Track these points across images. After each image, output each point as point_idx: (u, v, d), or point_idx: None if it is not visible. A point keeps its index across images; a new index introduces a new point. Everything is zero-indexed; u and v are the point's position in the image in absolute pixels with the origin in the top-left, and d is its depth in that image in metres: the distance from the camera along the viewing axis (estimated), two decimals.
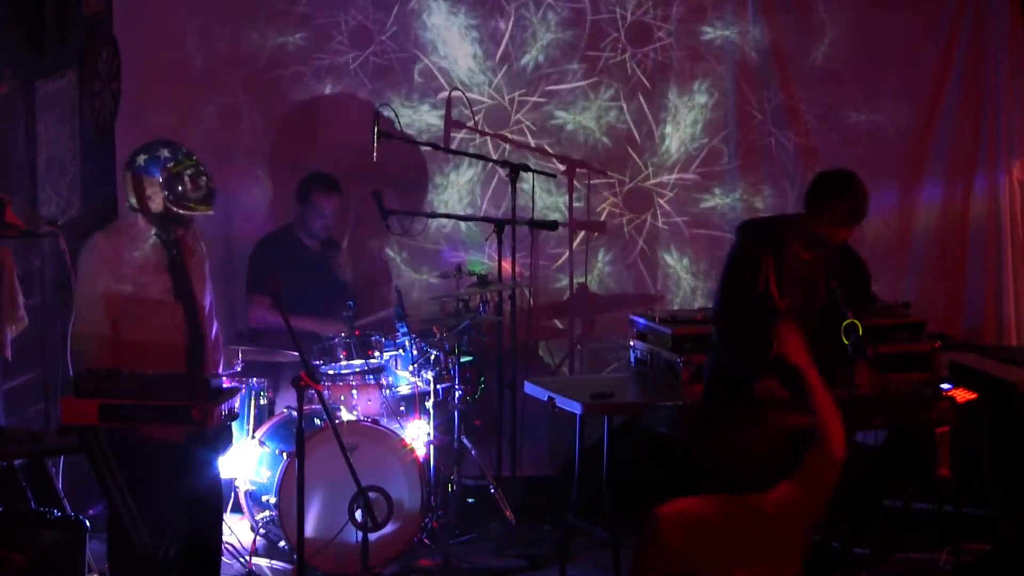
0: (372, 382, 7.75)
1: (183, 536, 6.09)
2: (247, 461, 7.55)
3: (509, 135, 8.73)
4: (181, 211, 6.23)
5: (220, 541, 6.63)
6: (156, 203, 6.24)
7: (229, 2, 8.61)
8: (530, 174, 8.38)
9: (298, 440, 6.01)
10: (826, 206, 6.37)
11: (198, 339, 6.38)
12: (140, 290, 6.26)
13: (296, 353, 6.31)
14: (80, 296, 6.32)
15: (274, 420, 7.61)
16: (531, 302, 8.57)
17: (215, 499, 6.48)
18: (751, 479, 4.78)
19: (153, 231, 6.30)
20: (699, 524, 4.73)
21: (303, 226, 8.26)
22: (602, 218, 8.86)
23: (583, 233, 8.82)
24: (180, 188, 6.21)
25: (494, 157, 8.65)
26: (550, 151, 8.78)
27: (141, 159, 6.26)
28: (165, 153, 6.25)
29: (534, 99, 8.76)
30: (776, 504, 4.77)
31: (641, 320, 7.58)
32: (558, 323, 8.91)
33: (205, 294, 6.46)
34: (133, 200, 6.29)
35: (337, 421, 7.23)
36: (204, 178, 6.26)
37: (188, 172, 6.24)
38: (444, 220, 8.67)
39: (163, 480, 6.14)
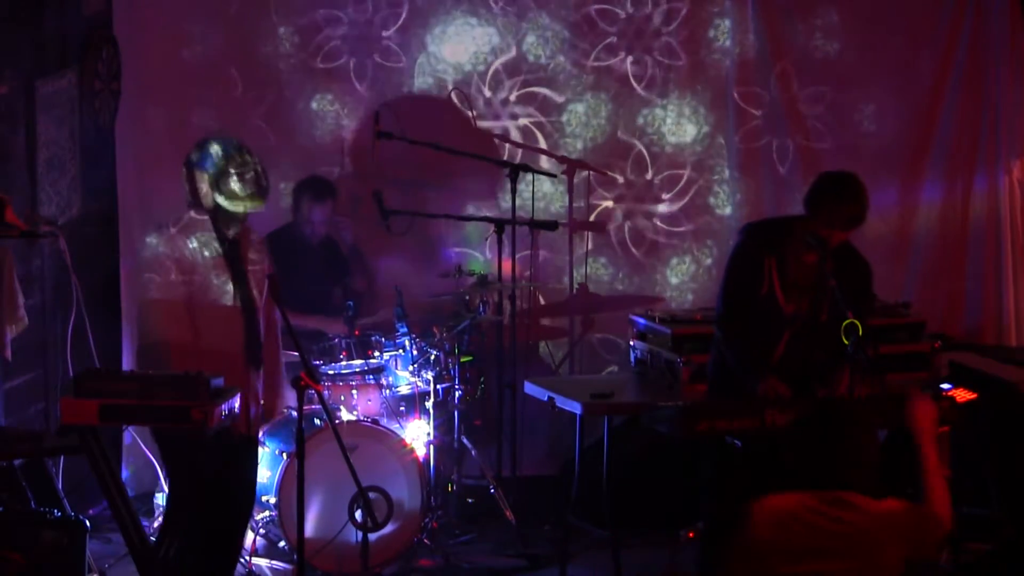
0: (372, 382, 7.75)
1: (211, 529, 6.13)
2: None
3: (509, 134, 8.73)
4: (230, 207, 6.30)
5: (243, 539, 6.64)
6: (207, 200, 6.33)
7: (229, 2, 8.61)
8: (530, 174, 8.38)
9: (298, 440, 6.01)
10: (825, 207, 6.39)
11: (255, 344, 6.43)
12: (197, 290, 6.30)
13: (296, 353, 6.31)
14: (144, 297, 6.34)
15: (274, 420, 7.60)
16: (531, 301, 8.56)
17: (251, 496, 6.53)
18: (849, 476, 4.75)
19: (211, 229, 6.37)
20: (788, 518, 4.70)
21: (302, 229, 8.26)
22: (601, 218, 8.86)
23: (584, 233, 8.82)
24: (229, 183, 6.29)
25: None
26: (550, 151, 8.78)
27: (195, 154, 6.36)
28: (216, 148, 6.33)
29: (535, 98, 8.76)
30: (882, 515, 4.73)
31: (641, 320, 7.58)
32: (558, 323, 8.90)
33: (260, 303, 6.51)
34: (189, 195, 6.38)
35: (337, 421, 7.23)
36: (252, 174, 6.33)
37: (236, 169, 6.31)
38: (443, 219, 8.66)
39: (216, 470, 6.18)
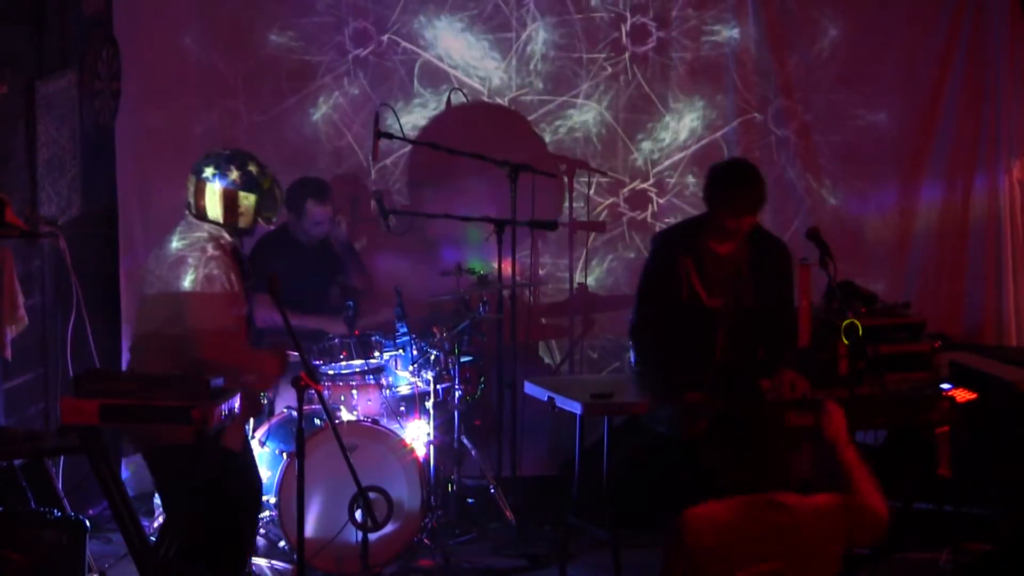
0: (372, 382, 7.75)
1: (221, 530, 6.14)
2: None
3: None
4: (235, 223, 6.25)
5: (254, 539, 6.63)
6: (215, 214, 6.24)
7: (229, 2, 8.61)
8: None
9: (298, 440, 6.01)
10: (723, 198, 6.45)
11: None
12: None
13: (296, 353, 6.30)
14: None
15: (274, 420, 7.60)
16: (531, 301, 8.55)
17: (258, 495, 6.53)
18: (773, 477, 4.77)
19: (225, 235, 6.28)
20: (724, 525, 4.72)
21: (297, 229, 8.21)
22: (601, 218, 8.86)
23: (585, 233, 8.82)
24: (242, 209, 6.24)
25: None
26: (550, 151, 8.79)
27: (209, 170, 6.25)
28: (235, 175, 6.24)
29: (534, 98, 8.76)
30: (815, 511, 4.75)
31: None
32: (558, 323, 8.90)
33: None
34: (193, 207, 6.28)
35: (337, 421, 7.23)
36: (274, 190, 6.32)
37: (253, 197, 6.25)
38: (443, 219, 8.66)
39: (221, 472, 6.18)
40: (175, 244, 6.24)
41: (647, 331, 6.60)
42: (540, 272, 8.78)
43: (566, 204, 8.78)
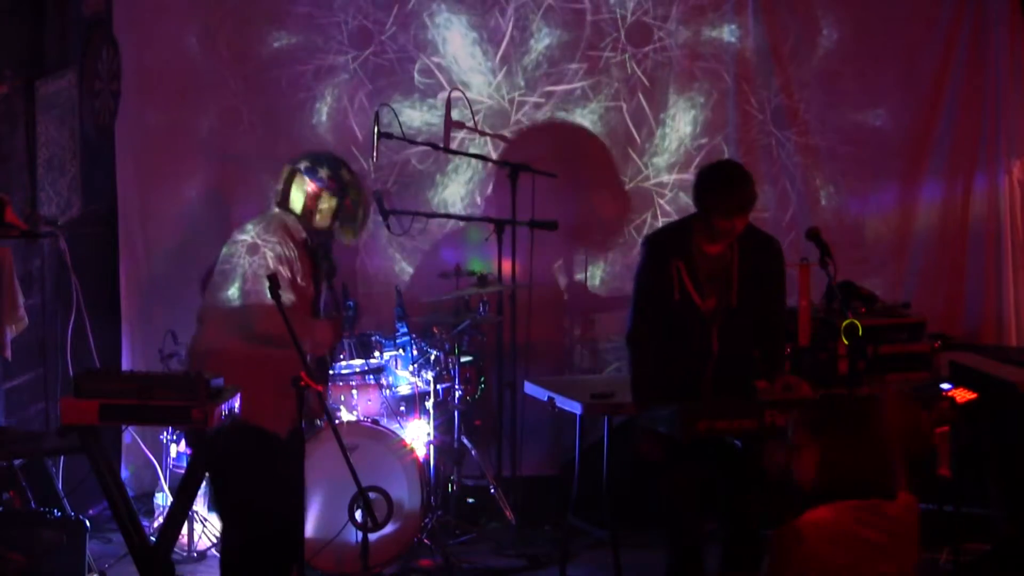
0: (372, 382, 7.75)
1: (268, 530, 6.18)
2: None
3: (509, 135, 8.72)
4: (311, 224, 6.58)
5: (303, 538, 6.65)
6: (296, 206, 6.57)
7: (229, 2, 8.61)
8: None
9: (298, 440, 6.01)
10: (713, 199, 6.45)
11: (325, 360, 6.70)
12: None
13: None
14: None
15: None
16: (531, 301, 8.55)
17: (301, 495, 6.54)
18: (875, 482, 4.75)
19: (303, 232, 6.60)
20: (838, 532, 4.70)
21: None
22: (601, 217, 8.86)
23: (585, 233, 8.82)
24: (322, 208, 6.57)
25: (494, 157, 8.64)
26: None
27: (304, 163, 6.61)
28: (325, 173, 6.59)
29: (534, 99, 8.76)
30: (905, 511, 4.77)
31: None
32: (558, 323, 8.90)
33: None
34: (280, 195, 6.61)
35: (337, 421, 7.23)
36: (358, 208, 6.66)
37: (335, 200, 6.57)
38: (443, 219, 8.66)
39: (264, 470, 6.21)
40: (249, 227, 6.54)
41: (643, 340, 6.58)
42: (540, 273, 8.78)
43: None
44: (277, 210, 6.60)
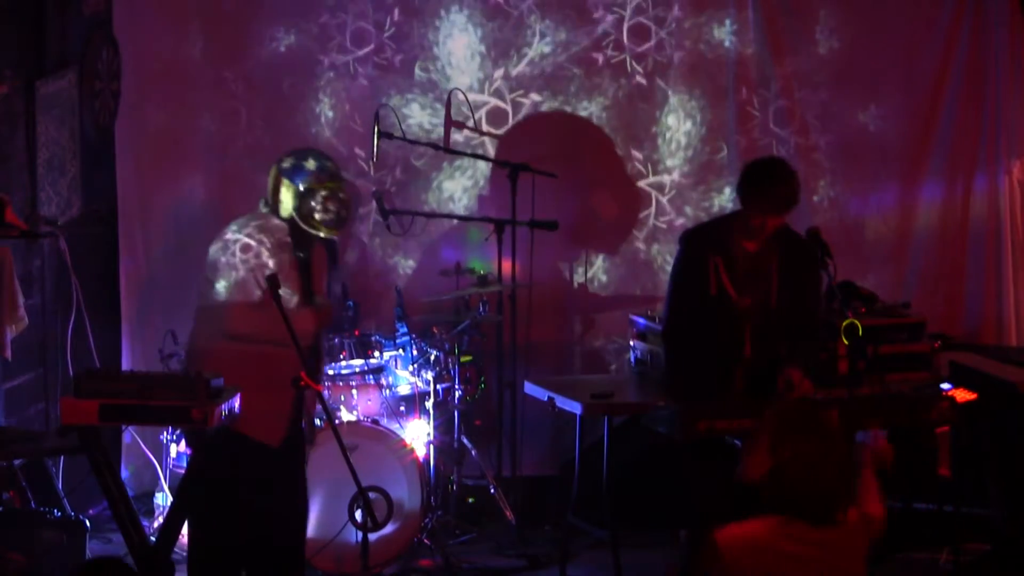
0: (372, 382, 7.75)
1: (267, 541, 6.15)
2: None
3: (509, 135, 8.72)
4: (304, 226, 6.28)
5: (303, 551, 6.63)
6: (285, 209, 6.30)
7: (229, 2, 8.60)
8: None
9: (298, 440, 6.01)
10: (755, 194, 6.45)
11: (316, 350, 6.45)
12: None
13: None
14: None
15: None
16: (531, 301, 8.55)
17: (302, 507, 6.53)
18: (815, 501, 4.73)
19: (287, 231, 6.33)
20: (764, 548, 4.69)
21: None
22: (601, 217, 8.86)
23: (586, 233, 8.82)
24: (310, 204, 6.26)
25: (494, 157, 8.64)
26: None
27: (288, 162, 6.33)
28: (311, 166, 6.30)
29: (534, 99, 8.76)
30: (846, 528, 4.74)
31: (641, 320, 7.58)
32: (558, 323, 8.90)
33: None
34: (269, 196, 6.35)
35: (337, 421, 7.23)
36: (336, 203, 6.29)
37: (323, 193, 6.27)
38: (443, 219, 8.66)
39: (256, 482, 6.17)
40: (232, 227, 6.35)
41: (681, 334, 6.58)
42: (540, 273, 8.78)
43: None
44: (263, 211, 6.39)
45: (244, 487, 6.23)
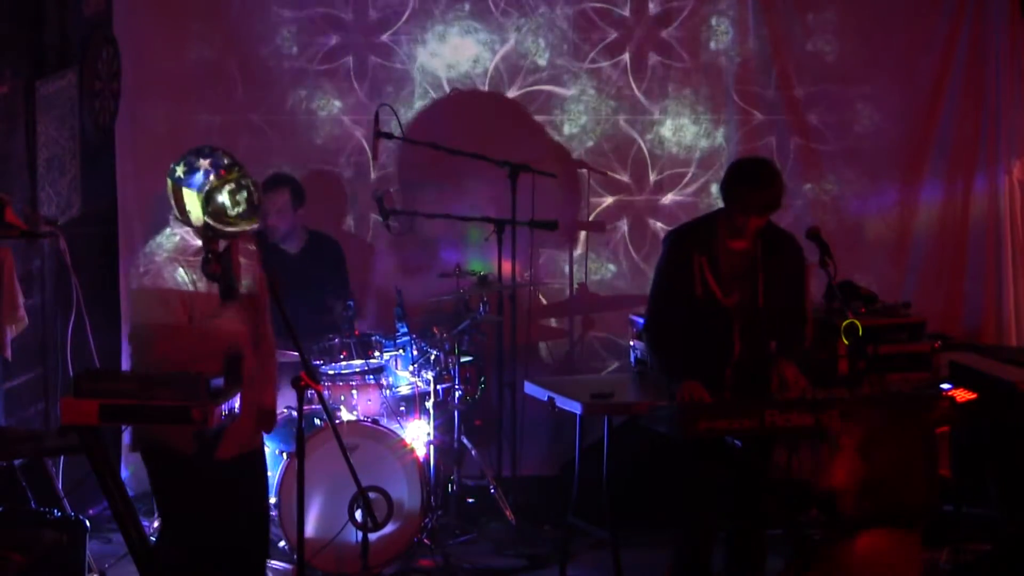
0: (372, 382, 7.75)
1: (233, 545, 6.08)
2: None
3: (509, 134, 8.72)
4: (221, 227, 5.88)
5: (266, 553, 6.52)
6: (196, 217, 5.90)
7: (228, 2, 8.61)
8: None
9: (298, 440, 6.01)
10: (737, 194, 6.46)
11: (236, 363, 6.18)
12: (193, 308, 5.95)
13: (296, 353, 6.29)
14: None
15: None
16: (531, 301, 8.55)
17: (266, 510, 6.47)
18: (911, 508, 4.67)
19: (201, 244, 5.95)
20: (881, 556, 4.64)
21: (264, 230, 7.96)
22: (601, 218, 8.86)
23: (583, 233, 8.82)
24: (219, 203, 5.85)
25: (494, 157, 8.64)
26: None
27: (180, 170, 5.89)
28: (204, 164, 5.87)
29: (534, 98, 8.76)
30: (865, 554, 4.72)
31: (641, 320, 7.57)
32: (558, 323, 8.90)
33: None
34: (176, 211, 5.96)
35: (337, 421, 7.24)
36: (245, 193, 5.88)
37: (228, 187, 5.85)
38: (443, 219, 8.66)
39: (227, 488, 6.10)
40: (149, 244, 6.05)
41: (661, 330, 6.59)
42: (540, 273, 8.78)
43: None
44: (173, 227, 5.98)
45: (171, 498, 6.09)
